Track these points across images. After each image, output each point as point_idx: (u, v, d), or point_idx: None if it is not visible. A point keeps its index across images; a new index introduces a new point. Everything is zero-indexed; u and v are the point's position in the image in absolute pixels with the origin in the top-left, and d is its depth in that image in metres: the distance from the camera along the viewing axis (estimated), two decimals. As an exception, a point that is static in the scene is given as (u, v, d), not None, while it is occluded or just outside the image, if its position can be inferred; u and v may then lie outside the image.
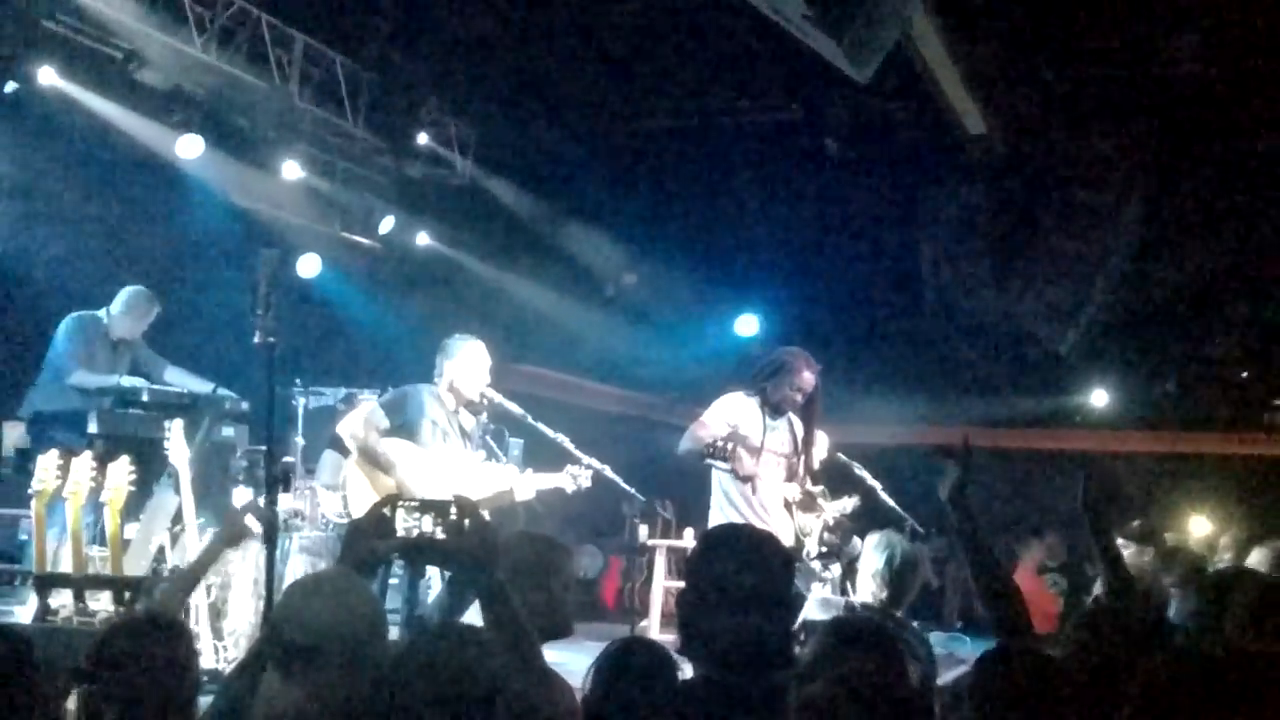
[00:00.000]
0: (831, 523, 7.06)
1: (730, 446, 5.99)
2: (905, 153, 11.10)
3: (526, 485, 6.31)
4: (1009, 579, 3.47)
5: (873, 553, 4.69)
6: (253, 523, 4.02)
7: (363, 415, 6.14)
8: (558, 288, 12.20)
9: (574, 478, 6.37)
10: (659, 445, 14.76)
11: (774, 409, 6.34)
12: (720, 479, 6.31)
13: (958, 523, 3.50)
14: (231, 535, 4.02)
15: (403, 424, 6.11)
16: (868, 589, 4.66)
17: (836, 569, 6.58)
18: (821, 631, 2.89)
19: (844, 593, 6.64)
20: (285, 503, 7.42)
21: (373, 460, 6.03)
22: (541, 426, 6.32)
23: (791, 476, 6.47)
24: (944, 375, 13.84)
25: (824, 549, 6.49)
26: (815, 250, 12.31)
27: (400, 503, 2.79)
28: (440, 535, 2.75)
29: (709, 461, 6.09)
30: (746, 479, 6.17)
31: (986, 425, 14.19)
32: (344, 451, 6.42)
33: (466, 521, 2.76)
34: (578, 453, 6.34)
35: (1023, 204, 11.37)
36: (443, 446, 6.18)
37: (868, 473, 7.13)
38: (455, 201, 11.11)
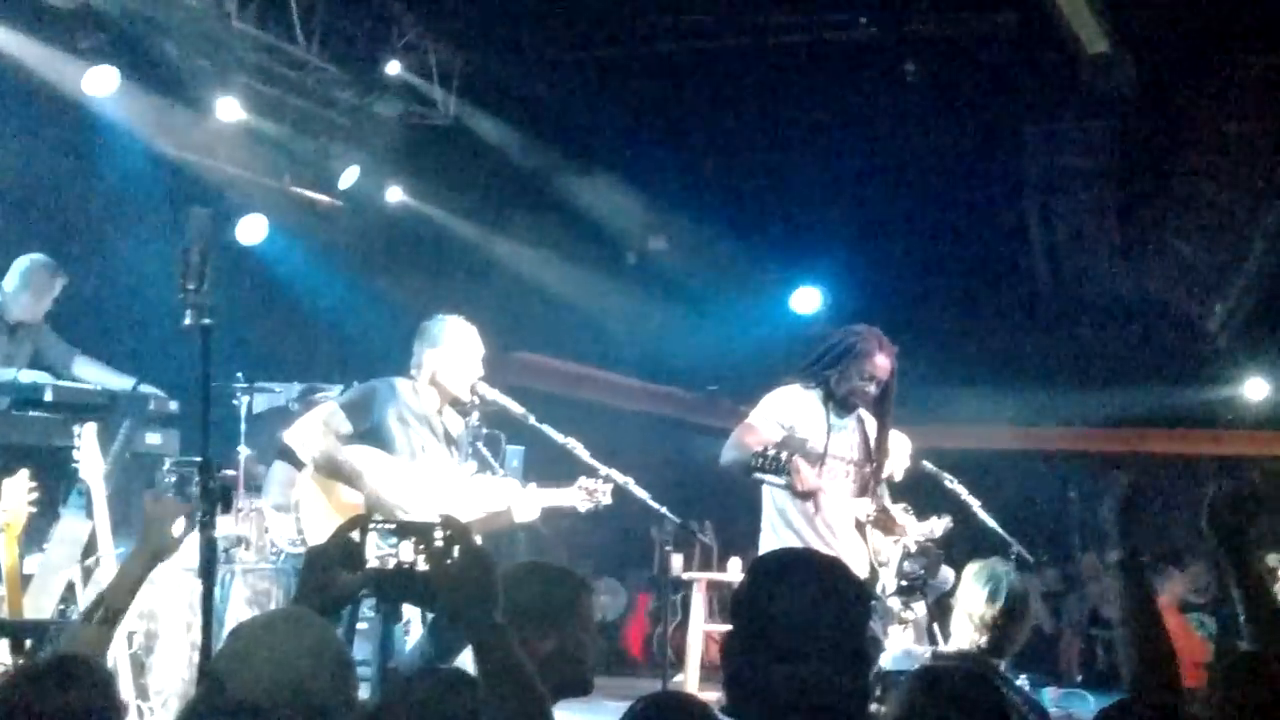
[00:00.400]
0: (914, 548, 7.04)
1: (786, 456, 5.97)
2: (1005, 79, 11.04)
3: (529, 503, 6.32)
4: (1169, 639, 3.43)
5: (971, 586, 4.70)
6: (177, 518, 3.94)
7: (320, 418, 6.15)
8: (565, 255, 12.25)
9: (589, 493, 6.38)
10: (696, 453, 14.93)
11: (840, 404, 6.33)
12: (774, 495, 6.30)
13: (1120, 555, 3.45)
14: (156, 540, 3.94)
15: (370, 428, 6.12)
16: (964, 633, 4.67)
17: (921, 607, 6.59)
18: (906, 686, 2.87)
19: (931, 638, 6.65)
20: (225, 527, 7.43)
21: (333, 473, 6.05)
22: (547, 429, 6.32)
23: (864, 490, 6.46)
24: (1057, 363, 13.85)
25: (905, 582, 6.49)
26: (891, 205, 12.29)
27: (371, 524, 2.79)
28: (422, 565, 2.74)
29: (759, 475, 6.07)
30: (807, 495, 6.16)
31: (1111, 426, 14.19)
32: (298, 463, 6.43)
33: (456, 548, 2.74)
34: (593, 462, 6.34)
35: (1157, 143, 11.30)
36: (422, 456, 6.20)
37: (962, 485, 7.12)
38: (435, 147, 11.13)
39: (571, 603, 3.53)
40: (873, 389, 6.27)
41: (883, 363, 6.27)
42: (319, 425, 6.09)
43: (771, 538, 6.29)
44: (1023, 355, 13.78)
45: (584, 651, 3.51)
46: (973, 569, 4.76)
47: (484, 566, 2.75)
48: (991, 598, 4.62)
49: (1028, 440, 14.62)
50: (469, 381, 6.29)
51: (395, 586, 2.80)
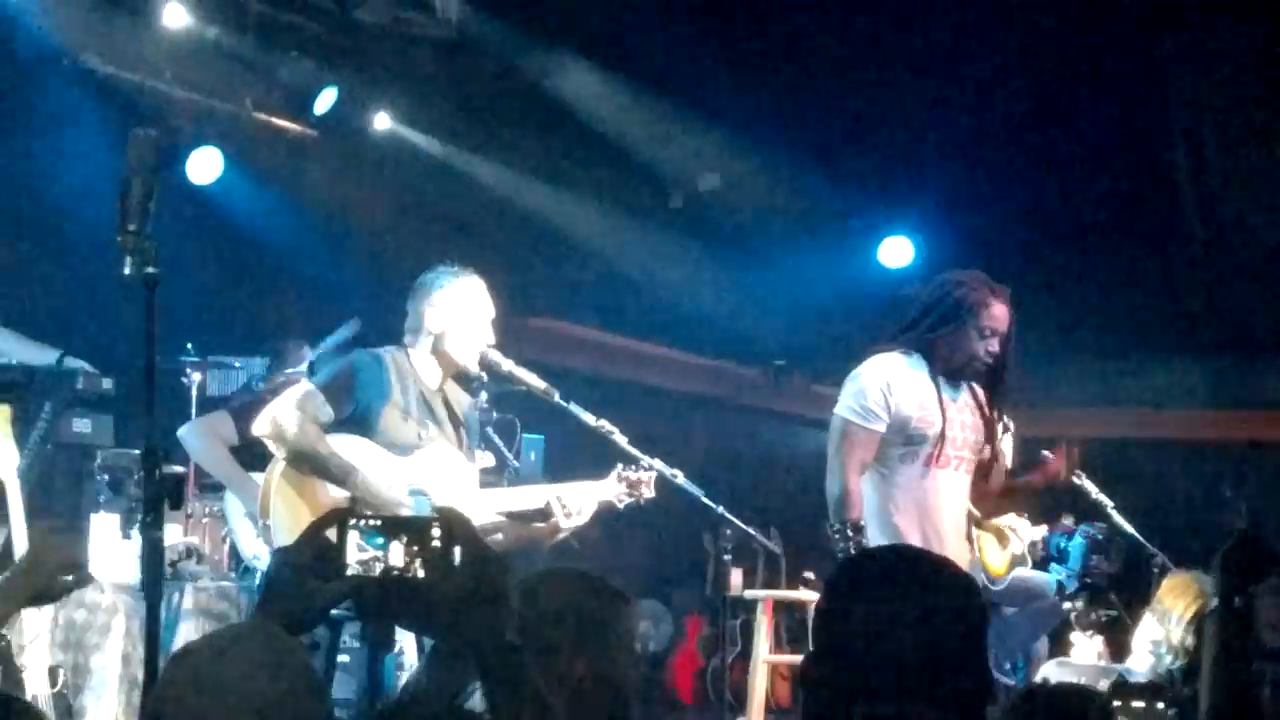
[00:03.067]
0: (1098, 537, 7.08)
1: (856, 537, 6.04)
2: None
3: (576, 502, 6.30)
4: (1253, 695, 3.63)
5: (1171, 602, 4.80)
6: (66, 571, 3.94)
7: (293, 402, 6.14)
8: (595, 197, 12.29)
9: (628, 486, 6.39)
10: (759, 442, 14.95)
11: (952, 373, 6.30)
12: (876, 483, 6.28)
13: (1220, 598, 3.62)
14: (38, 584, 3.93)
15: (356, 413, 6.15)
16: (1148, 654, 4.73)
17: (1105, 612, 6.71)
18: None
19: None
20: (173, 535, 7.42)
21: (317, 470, 6.07)
22: (576, 409, 6.34)
23: (985, 479, 6.49)
24: (1207, 331, 13.79)
25: (1090, 579, 6.61)
26: (998, 137, 12.22)
27: (353, 520, 2.75)
28: (418, 572, 2.71)
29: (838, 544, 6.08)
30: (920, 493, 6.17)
31: (1276, 408, 14.11)
32: (261, 460, 6.42)
33: (457, 549, 2.71)
34: (635, 451, 6.35)
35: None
36: (422, 446, 6.21)
37: (1091, 482, 7.10)
38: (433, 62, 11.10)
39: (606, 616, 3.51)
40: (996, 346, 6.23)
41: (1000, 311, 6.28)
42: (294, 412, 6.09)
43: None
44: (1164, 322, 13.73)
45: (622, 678, 3.49)
46: (1173, 583, 4.84)
47: (494, 572, 2.73)
48: (1197, 623, 4.74)
49: (1170, 427, 14.59)
50: (478, 349, 6.31)
51: (382, 598, 2.76)
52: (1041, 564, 7.92)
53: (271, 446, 6.12)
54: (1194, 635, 4.83)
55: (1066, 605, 7.04)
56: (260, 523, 6.28)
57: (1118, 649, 6.81)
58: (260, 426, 6.14)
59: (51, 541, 4.03)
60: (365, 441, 6.11)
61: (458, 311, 6.27)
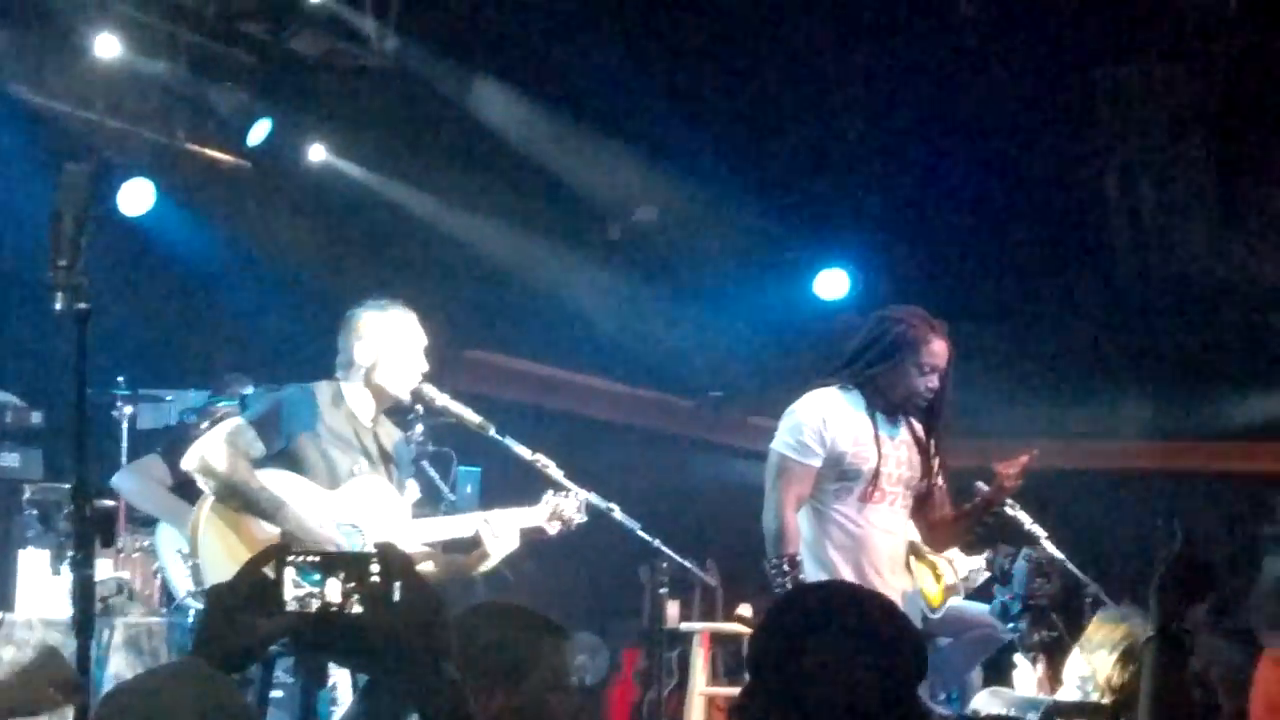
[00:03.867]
0: (959, 588, 7.08)
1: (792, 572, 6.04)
2: (1073, 11, 11.01)
3: (504, 530, 6.29)
4: None
5: (1100, 640, 4.99)
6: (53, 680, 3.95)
7: (222, 438, 6.12)
8: (532, 229, 12.25)
9: (556, 512, 6.38)
10: (695, 475, 14.95)
11: (891, 409, 6.31)
12: (812, 518, 6.30)
13: (1158, 626, 3.65)
14: (19, 692, 3.93)
15: (286, 447, 6.14)
16: (1077, 688, 4.92)
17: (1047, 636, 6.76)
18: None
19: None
20: (103, 570, 7.36)
21: (246, 506, 6.04)
22: (511, 443, 6.33)
23: (919, 512, 6.52)
24: (1139, 363, 13.87)
25: (1033, 601, 6.67)
26: (935, 170, 12.30)
27: (290, 556, 2.72)
28: (356, 608, 2.69)
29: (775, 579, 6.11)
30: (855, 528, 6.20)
31: (1209, 439, 14.21)
32: (192, 496, 6.40)
33: (396, 585, 2.70)
34: (570, 484, 6.35)
35: (1265, 83, 11.29)
36: (350, 481, 6.19)
37: (1025, 513, 7.13)
38: (368, 94, 11.10)
39: (533, 649, 3.54)
40: (935, 382, 6.26)
41: (939, 348, 6.31)
42: (222, 446, 6.07)
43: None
44: (1096, 354, 13.81)
45: (549, 713, 3.52)
46: (1102, 619, 4.92)
47: (433, 608, 2.71)
48: (1124, 659, 4.88)
49: (1104, 458, 14.64)
50: (411, 380, 6.30)
51: (320, 635, 2.74)
52: (984, 587, 7.96)
53: (200, 482, 6.09)
54: (1121, 671, 4.88)
55: (1009, 626, 7.08)
56: (189, 561, 6.24)
57: (1059, 672, 6.89)
58: (189, 461, 6.12)
59: (52, 660, 4.02)
60: (294, 476, 6.09)
61: (388, 343, 6.27)
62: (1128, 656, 4.82)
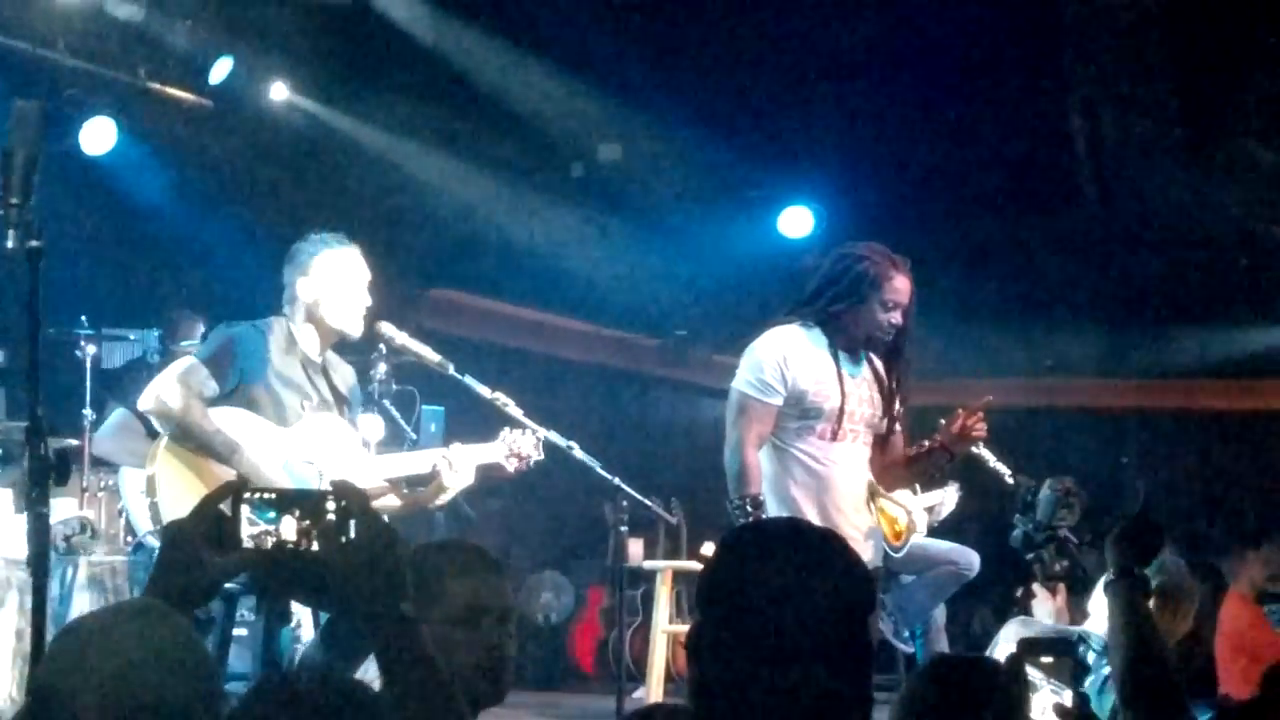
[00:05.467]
0: (917, 526, 7.11)
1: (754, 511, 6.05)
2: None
3: (460, 464, 6.26)
4: (1167, 665, 3.70)
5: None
6: None
7: (175, 377, 6.07)
8: (494, 167, 12.22)
9: (513, 449, 6.36)
10: (658, 413, 14.97)
11: (853, 346, 6.31)
12: (774, 457, 6.25)
13: (1113, 574, 3.74)
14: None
15: (239, 385, 6.10)
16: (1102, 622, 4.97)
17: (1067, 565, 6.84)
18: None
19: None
20: (67, 509, 7.36)
21: (201, 447, 5.99)
22: (471, 382, 6.33)
23: (882, 449, 6.47)
24: (1104, 301, 13.92)
25: (1054, 529, 6.73)
26: (899, 105, 12.27)
27: (247, 494, 2.74)
28: (311, 546, 2.70)
29: (737, 519, 6.09)
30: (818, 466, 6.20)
31: (1173, 376, 14.28)
32: (153, 432, 6.38)
33: (351, 522, 2.71)
34: (530, 423, 6.34)
35: (1229, 24, 11.28)
36: (302, 418, 6.17)
37: (988, 450, 7.16)
38: (331, 31, 11.05)
39: (486, 585, 3.57)
40: (898, 318, 6.23)
41: (902, 284, 6.22)
42: (175, 385, 6.02)
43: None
44: (1062, 291, 13.85)
45: (504, 647, 3.57)
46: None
47: (388, 545, 2.73)
48: (1156, 598, 4.87)
49: (1068, 396, 14.71)
50: (356, 315, 6.24)
51: (276, 572, 2.78)
52: (1004, 516, 7.93)
53: (156, 423, 6.07)
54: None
55: (1030, 556, 7.09)
56: (148, 500, 6.21)
57: (1080, 602, 6.94)
58: (144, 402, 6.08)
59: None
60: (248, 414, 6.05)
61: (330, 279, 6.19)
62: (1160, 593, 4.93)
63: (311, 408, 6.18)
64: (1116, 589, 3.73)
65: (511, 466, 6.37)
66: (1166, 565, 5.13)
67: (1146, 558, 3.78)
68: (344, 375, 6.40)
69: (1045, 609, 7.22)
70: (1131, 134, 12.28)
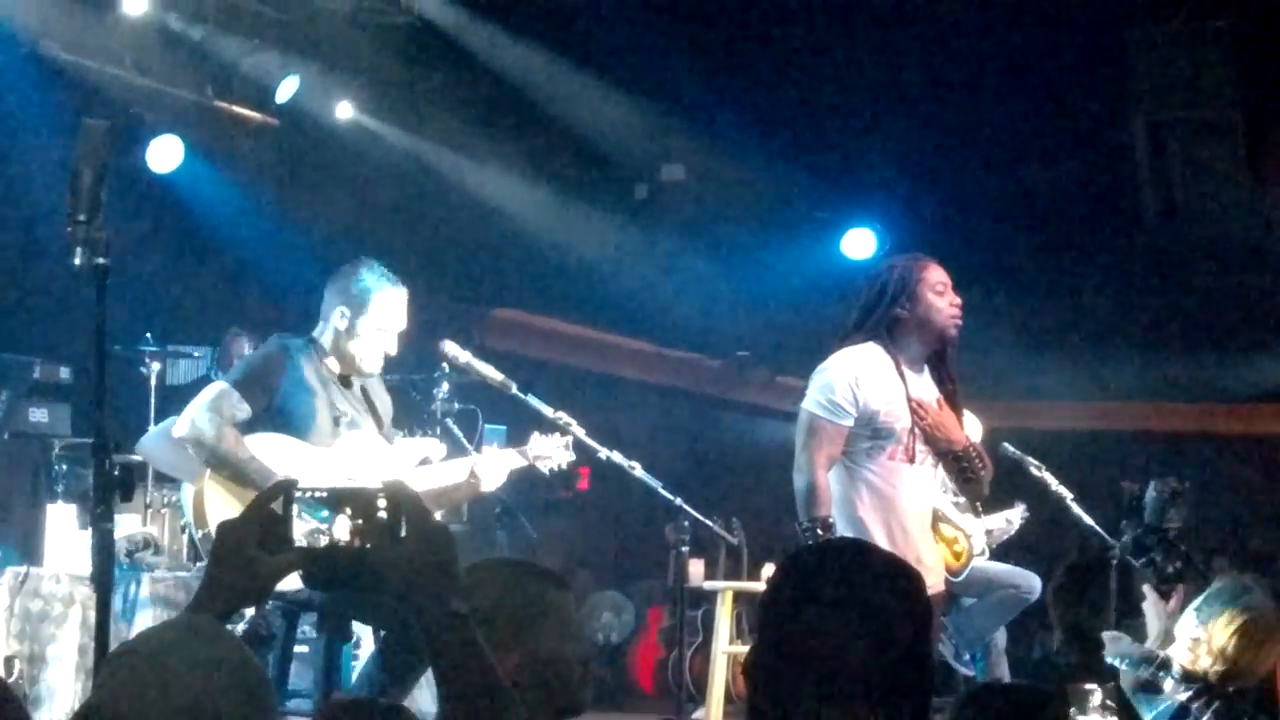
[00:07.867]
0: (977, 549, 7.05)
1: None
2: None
3: (493, 468, 6.28)
4: None
5: (1213, 604, 5.19)
6: None
7: (206, 403, 5.98)
8: (558, 188, 12.24)
9: (543, 452, 6.44)
10: (721, 434, 14.93)
11: (920, 356, 6.23)
12: (844, 475, 6.17)
13: (1060, 639, 3.83)
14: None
15: (273, 405, 6.04)
16: (1186, 650, 5.17)
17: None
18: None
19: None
20: (130, 525, 7.38)
21: (236, 477, 5.90)
22: (534, 401, 6.30)
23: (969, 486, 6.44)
24: (1167, 324, 13.79)
25: (1166, 530, 6.71)
26: (964, 128, 12.25)
27: (299, 493, 2.74)
28: (365, 544, 2.71)
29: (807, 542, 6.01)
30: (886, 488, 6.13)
31: (1235, 401, 14.15)
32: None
33: (404, 521, 2.72)
34: (593, 443, 6.30)
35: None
36: (346, 429, 6.14)
37: (1050, 474, 7.10)
38: (396, 50, 11.11)
39: (549, 603, 3.53)
40: (956, 300, 6.13)
41: (938, 270, 6.15)
42: (208, 414, 5.93)
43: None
44: (1124, 315, 13.73)
45: (564, 664, 3.51)
46: (1221, 584, 5.24)
47: (440, 542, 2.74)
48: (1244, 632, 5.09)
49: (1131, 419, 14.58)
50: (376, 362, 6.20)
51: (329, 569, 2.77)
52: (1112, 522, 7.83)
53: (191, 451, 5.97)
54: (1239, 644, 5.10)
55: (1142, 561, 7.01)
56: (199, 533, 6.13)
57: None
58: (179, 429, 5.98)
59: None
60: (284, 438, 6.00)
61: (380, 318, 6.14)
62: (1249, 630, 5.06)
63: (347, 423, 6.14)
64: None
65: (547, 469, 6.46)
66: (1255, 601, 5.15)
67: (1082, 595, 3.87)
68: (385, 402, 6.39)
69: (1155, 612, 7.11)
70: (1195, 156, 12.19)
